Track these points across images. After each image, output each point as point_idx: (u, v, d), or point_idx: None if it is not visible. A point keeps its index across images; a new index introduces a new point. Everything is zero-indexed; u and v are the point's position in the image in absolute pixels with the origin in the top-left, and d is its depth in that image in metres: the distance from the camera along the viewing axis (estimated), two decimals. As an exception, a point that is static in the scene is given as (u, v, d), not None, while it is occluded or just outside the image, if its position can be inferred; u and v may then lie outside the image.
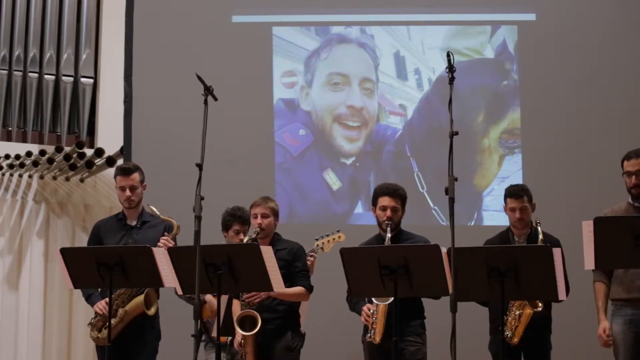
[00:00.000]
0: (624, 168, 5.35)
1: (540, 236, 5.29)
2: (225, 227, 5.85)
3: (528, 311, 5.17)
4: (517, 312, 5.24)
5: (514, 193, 5.49)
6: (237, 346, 5.26)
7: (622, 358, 5.27)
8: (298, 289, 5.37)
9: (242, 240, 5.64)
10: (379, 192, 5.41)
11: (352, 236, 5.94)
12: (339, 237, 6.03)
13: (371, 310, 5.17)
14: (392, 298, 4.78)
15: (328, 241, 6.04)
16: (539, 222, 5.36)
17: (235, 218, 5.79)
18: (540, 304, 5.17)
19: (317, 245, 6.02)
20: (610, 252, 4.42)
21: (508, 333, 5.23)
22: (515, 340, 5.24)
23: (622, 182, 5.41)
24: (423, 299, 5.34)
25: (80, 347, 8.14)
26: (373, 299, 5.14)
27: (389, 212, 5.32)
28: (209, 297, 5.72)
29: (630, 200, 5.36)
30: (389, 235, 5.21)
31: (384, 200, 5.36)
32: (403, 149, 7.56)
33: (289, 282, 5.28)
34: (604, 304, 5.37)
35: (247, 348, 5.23)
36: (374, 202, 5.42)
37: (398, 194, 5.39)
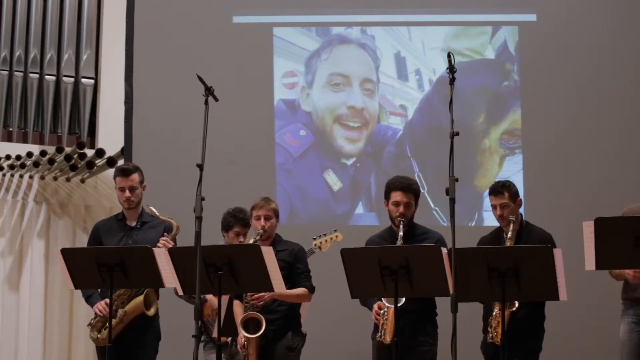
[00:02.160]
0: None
1: (510, 232, 5.27)
2: (226, 227, 5.84)
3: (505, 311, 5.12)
4: (494, 312, 5.18)
5: (494, 190, 5.44)
6: (240, 348, 5.26)
7: (627, 357, 5.25)
8: (300, 290, 5.36)
9: (241, 242, 5.64)
10: (392, 186, 5.32)
11: (353, 237, 5.93)
12: (337, 236, 6.02)
13: (382, 311, 5.12)
14: (404, 300, 4.78)
15: (326, 241, 6.03)
16: (513, 220, 5.31)
17: (237, 220, 5.78)
18: (516, 304, 5.09)
19: (315, 244, 6.01)
20: (610, 252, 4.42)
21: (493, 333, 5.20)
22: (498, 339, 5.14)
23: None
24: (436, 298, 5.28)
25: (81, 347, 8.14)
26: (384, 300, 5.07)
27: (401, 208, 5.24)
28: (209, 296, 5.71)
29: None
30: (401, 233, 5.15)
31: (397, 196, 5.27)
32: (404, 150, 7.56)
33: (290, 283, 5.28)
34: None
35: (250, 350, 5.23)
36: (387, 196, 5.33)
37: (411, 189, 5.31)
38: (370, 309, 5.24)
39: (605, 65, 7.43)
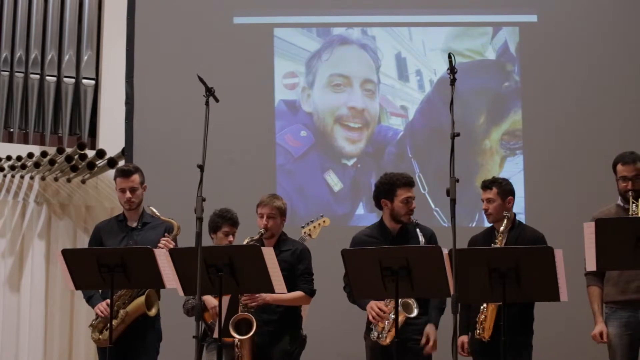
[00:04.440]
0: (617, 172, 5.28)
1: (502, 229, 5.24)
2: (214, 229, 5.81)
3: (492, 306, 5.11)
4: (482, 308, 5.18)
5: (484, 183, 5.42)
6: (235, 347, 5.24)
7: None
8: (297, 293, 5.32)
9: (231, 242, 5.63)
10: (399, 182, 5.33)
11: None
12: (324, 221, 5.96)
13: (392, 315, 5.03)
14: (416, 312, 4.85)
15: (314, 227, 5.96)
16: (507, 216, 5.28)
17: (224, 220, 5.76)
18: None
19: (305, 232, 5.94)
20: (611, 253, 4.41)
21: (479, 329, 5.17)
22: (485, 335, 5.14)
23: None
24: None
25: (82, 348, 8.14)
26: (400, 308, 4.95)
27: (413, 204, 5.32)
28: (206, 297, 5.66)
29: (619, 202, 5.32)
30: (421, 235, 5.20)
31: (408, 192, 5.30)
32: (404, 150, 7.56)
33: (292, 285, 5.24)
34: (600, 307, 5.29)
35: (244, 351, 5.21)
36: (394, 193, 5.32)
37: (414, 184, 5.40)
38: (362, 307, 5.17)
39: (605, 66, 7.44)
